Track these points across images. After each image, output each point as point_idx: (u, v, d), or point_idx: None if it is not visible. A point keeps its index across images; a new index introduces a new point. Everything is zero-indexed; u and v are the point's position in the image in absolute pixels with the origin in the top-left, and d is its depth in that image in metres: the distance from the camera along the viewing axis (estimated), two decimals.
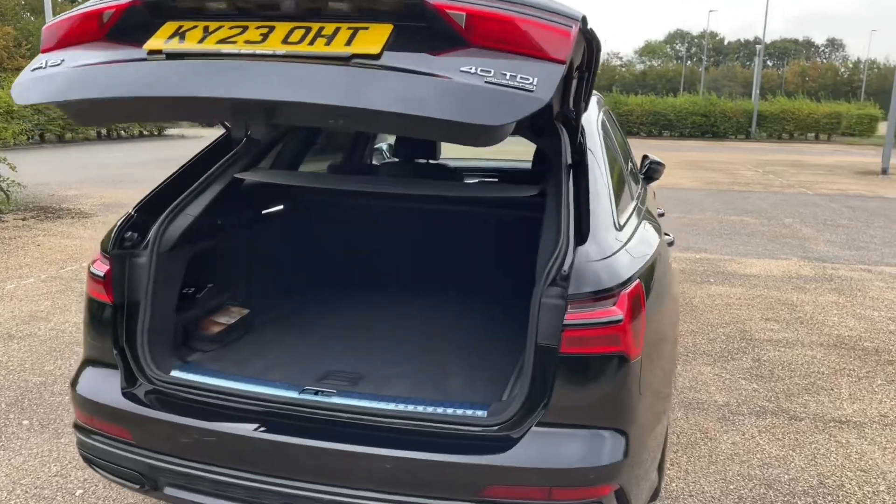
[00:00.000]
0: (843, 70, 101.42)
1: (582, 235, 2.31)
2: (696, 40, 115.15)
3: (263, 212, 3.46)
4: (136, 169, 16.30)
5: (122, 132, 25.97)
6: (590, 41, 2.20)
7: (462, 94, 1.84)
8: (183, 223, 2.73)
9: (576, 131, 2.70)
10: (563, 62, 1.90)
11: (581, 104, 2.59)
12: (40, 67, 2.12)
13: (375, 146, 5.44)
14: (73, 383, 2.56)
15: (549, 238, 2.43)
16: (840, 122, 35.93)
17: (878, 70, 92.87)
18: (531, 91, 1.83)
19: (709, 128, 35.56)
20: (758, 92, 39.33)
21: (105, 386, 2.47)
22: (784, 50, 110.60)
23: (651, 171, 4.64)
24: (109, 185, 13.50)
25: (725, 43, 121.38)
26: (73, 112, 2.30)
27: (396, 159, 4.51)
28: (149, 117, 2.64)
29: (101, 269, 2.55)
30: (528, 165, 5.76)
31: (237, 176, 2.99)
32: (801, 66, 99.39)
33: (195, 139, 26.77)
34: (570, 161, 2.72)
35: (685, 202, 12.84)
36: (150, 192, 2.76)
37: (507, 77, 1.84)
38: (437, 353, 2.94)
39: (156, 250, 2.59)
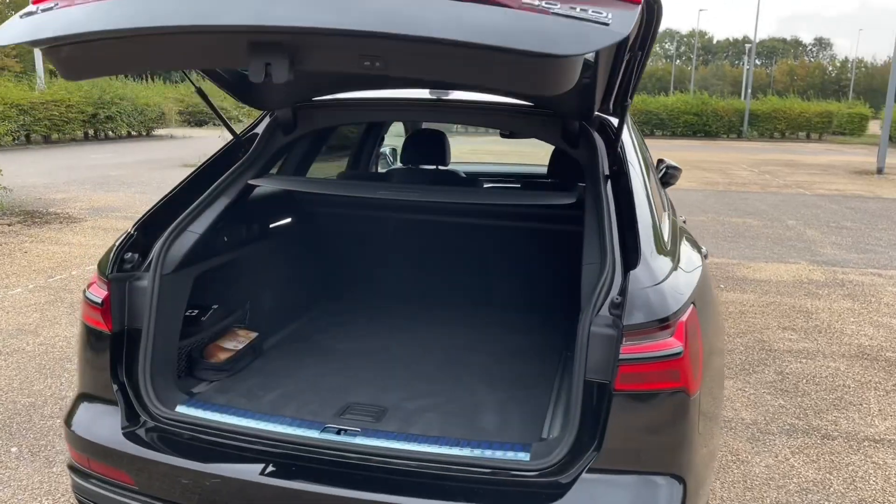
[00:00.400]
0: (830, 69, 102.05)
1: (632, 257, 2.09)
2: (685, 39, 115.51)
3: (272, 226, 3.23)
4: (124, 170, 15.98)
5: (110, 132, 25.53)
6: (651, 9, 1.89)
7: (530, 22, 1.56)
8: (187, 241, 2.49)
9: (615, 138, 2.49)
10: (637, 2, 1.64)
11: (628, 99, 2.35)
12: (30, 13, 1.83)
13: (381, 150, 5.21)
14: (68, 420, 2.32)
15: (592, 258, 2.21)
16: (831, 121, 35.98)
17: (865, 69, 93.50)
18: (606, 24, 1.56)
19: (701, 127, 35.48)
20: (749, 91, 39.30)
21: (104, 424, 2.23)
22: (772, 49, 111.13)
23: (668, 177, 4.42)
24: (98, 187, 13.18)
25: (714, 42, 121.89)
26: (64, 59, 1.95)
27: (402, 165, 4.29)
28: (149, 62, 2.09)
29: (99, 294, 2.31)
30: (539, 170, 5.60)
31: (252, 182, 2.76)
32: (789, 65, 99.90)
33: (184, 139, 26.45)
34: (606, 171, 2.51)
35: (685, 203, 12.68)
36: (151, 209, 2.52)
37: (578, 10, 1.58)
38: (462, 381, 2.72)
39: (158, 272, 2.36)
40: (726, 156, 24.89)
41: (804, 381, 4.72)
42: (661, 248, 2.23)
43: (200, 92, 2.70)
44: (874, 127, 37.59)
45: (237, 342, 2.76)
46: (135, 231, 2.42)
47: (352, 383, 2.67)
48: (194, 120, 33.37)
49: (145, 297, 2.33)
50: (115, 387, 2.27)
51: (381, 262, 3.77)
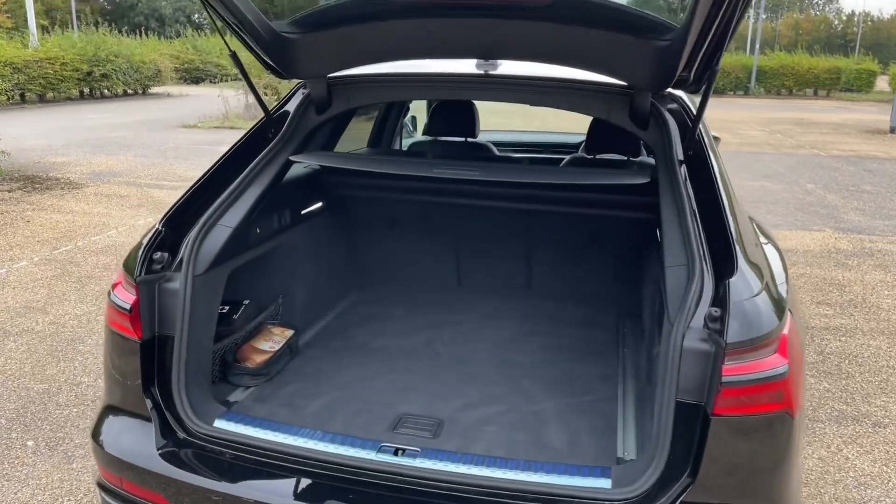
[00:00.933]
0: (836, 23, 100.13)
1: (724, 261, 1.87)
2: None
3: (303, 212, 2.98)
4: (123, 131, 15.60)
5: (106, 91, 24.97)
6: None
7: None
8: (220, 237, 2.26)
9: (697, 115, 2.21)
10: None
11: (715, 64, 2.06)
12: None
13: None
14: (96, 434, 2.12)
15: (677, 259, 1.98)
16: (840, 77, 35.30)
17: (871, 23, 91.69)
18: None
19: None
20: (758, 46, 38.47)
21: (136, 441, 2.03)
22: (778, 2, 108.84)
23: None
24: (97, 150, 12.84)
25: None
26: None
27: (427, 137, 4.01)
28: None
29: (127, 298, 2.09)
30: (571, 138, 5.32)
31: (293, 159, 2.51)
32: (794, 19, 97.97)
33: (181, 98, 25.90)
34: (681, 156, 2.26)
35: None
36: (179, 200, 2.28)
37: None
38: (518, 384, 2.51)
39: (191, 272, 2.13)
40: (735, 114, 24.43)
41: (846, 361, 4.54)
42: (750, 248, 2.00)
43: (235, 57, 2.41)
44: (882, 83, 36.97)
45: (273, 342, 2.54)
46: (163, 227, 2.18)
47: (399, 389, 2.46)
48: (190, 77, 32.67)
49: (177, 301, 2.10)
50: (147, 400, 2.06)
51: (416, 248, 3.52)
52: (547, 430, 2.20)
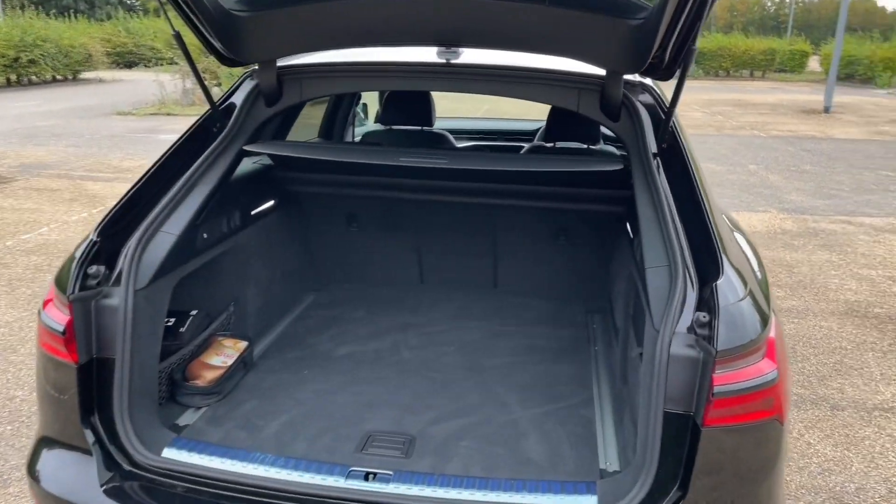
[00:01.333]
0: (769, 4, 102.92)
1: (708, 263, 1.78)
2: None
3: (253, 212, 2.78)
4: (54, 120, 14.82)
5: (34, 77, 23.71)
6: None
7: None
8: (163, 245, 2.06)
9: (671, 104, 2.10)
10: None
11: (692, 43, 1.94)
12: None
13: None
14: (32, 470, 1.91)
15: (657, 260, 1.88)
16: (774, 58, 36.25)
17: (802, 4, 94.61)
18: None
19: None
20: None
21: (77, 477, 1.84)
22: None
23: None
24: (27, 140, 12.15)
25: None
26: None
27: (380, 126, 3.85)
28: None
29: (60, 318, 1.88)
30: (527, 125, 5.21)
31: (248, 149, 2.31)
32: (730, 1, 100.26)
33: (114, 83, 24.81)
34: (654, 149, 2.16)
35: None
36: (115, 206, 2.06)
37: None
38: (489, 392, 2.40)
39: (131, 287, 1.93)
40: None
41: (801, 343, 4.60)
42: (731, 248, 1.92)
43: (179, 38, 2.18)
44: (814, 63, 38.16)
45: (225, 356, 2.36)
46: (98, 237, 1.97)
47: (365, 402, 2.31)
48: (123, 61, 31.34)
49: (116, 319, 1.91)
50: (87, 431, 1.87)
51: (376, 246, 3.35)
52: (525, 443, 2.09)
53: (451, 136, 3.85)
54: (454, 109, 7.36)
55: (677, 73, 2.12)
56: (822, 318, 5.04)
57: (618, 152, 4.22)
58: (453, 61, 2.46)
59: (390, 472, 1.83)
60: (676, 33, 1.89)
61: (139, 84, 22.39)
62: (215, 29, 2.15)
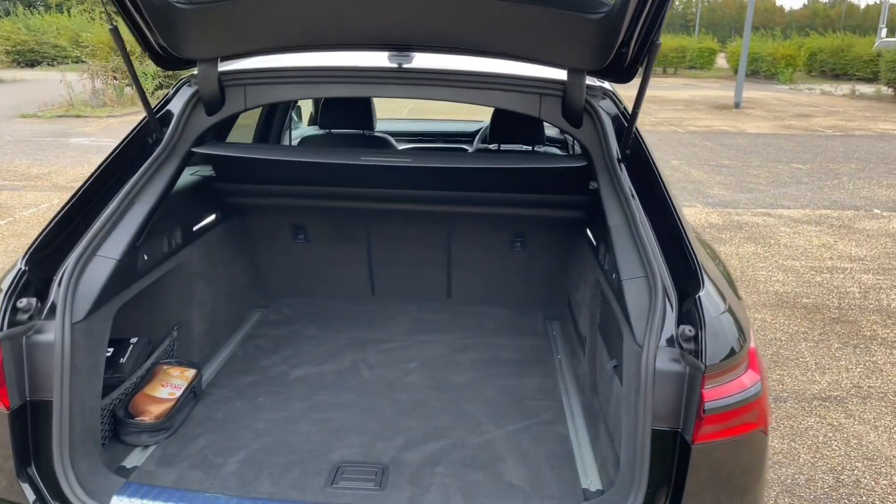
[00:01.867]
0: (678, 3, 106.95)
1: (687, 274, 1.75)
2: None
3: (195, 227, 2.59)
4: None
5: None
6: None
7: None
8: (101, 271, 1.87)
9: (635, 107, 2.06)
10: None
11: (655, 37, 1.90)
12: None
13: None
14: None
15: (633, 271, 1.84)
16: (685, 55, 37.68)
17: (707, 3, 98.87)
18: None
19: None
20: None
21: None
22: None
23: None
24: None
25: None
26: None
27: (318, 130, 3.70)
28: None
29: None
30: (466, 126, 5.14)
31: (197, 150, 2.14)
32: None
33: (15, 83, 23.28)
34: (618, 155, 2.12)
35: None
36: (45, 230, 1.86)
37: None
38: (459, 411, 2.30)
39: (67, 320, 1.73)
40: None
41: None
42: (704, 257, 1.90)
43: (116, 32, 1.97)
44: (721, 60, 39.90)
45: (172, 387, 2.16)
46: (26, 265, 1.76)
47: (330, 430, 2.17)
48: (24, 60, 29.50)
49: (51, 356, 1.71)
50: (24, 485, 1.67)
51: (324, 258, 3.19)
52: (504, 466, 2.01)
53: (392, 140, 3.74)
54: (382, 108, 7.24)
55: (639, 73, 2.09)
56: (756, 310, 5.20)
57: (560, 153, 4.20)
58: (406, 66, 2.35)
59: None
60: (639, 27, 1.85)
61: (43, 84, 21.12)
62: (156, 22, 1.97)
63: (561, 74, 2.25)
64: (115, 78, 16.37)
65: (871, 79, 27.25)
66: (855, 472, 3.29)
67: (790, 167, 10.94)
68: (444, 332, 2.96)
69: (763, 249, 6.68)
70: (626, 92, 2.55)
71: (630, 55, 2.05)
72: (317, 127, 4.66)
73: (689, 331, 1.62)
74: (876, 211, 8.15)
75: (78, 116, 14.86)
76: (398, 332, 2.95)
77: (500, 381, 2.55)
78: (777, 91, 25.81)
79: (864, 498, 3.11)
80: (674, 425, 1.63)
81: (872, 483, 3.21)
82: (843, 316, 5.09)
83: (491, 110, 3.32)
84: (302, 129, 4.68)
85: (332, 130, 3.56)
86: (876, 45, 29.80)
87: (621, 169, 2.10)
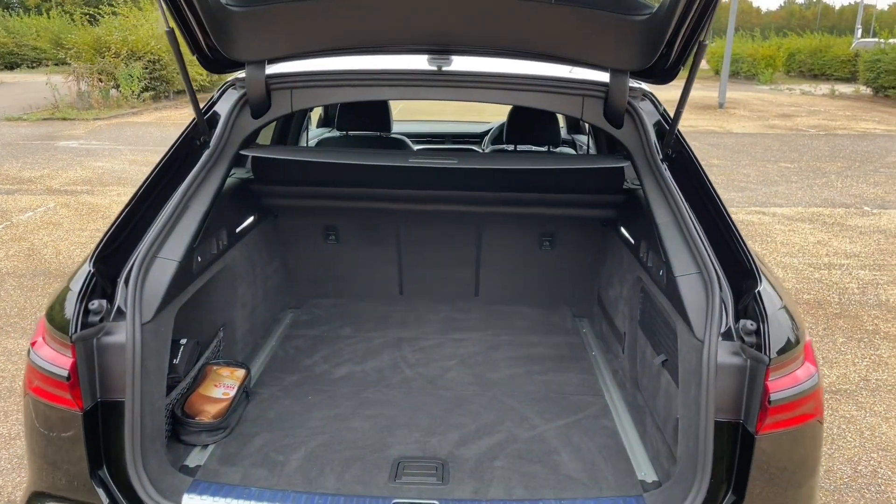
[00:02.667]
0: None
1: (740, 269, 1.81)
2: None
3: (238, 229, 2.61)
4: None
5: None
6: None
7: None
8: (164, 272, 1.89)
9: (679, 108, 2.12)
10: None
11: (704, 36, 1.96)
12: None
13: None
14: None
15: (687, 267, 1.89)
16: None
17: None
18: None
19: None
20: None
21: None
22: None
23: None
24: None
25: None
26: None
27: (336, 132, 3.73)
28: None
29: (60, 362, 1.68)
30: (476, 128, 5.18)
31: (245, 153, 2.19)
32: None
33: (14, 86, 22.93)
34: (660, 154, 2.18)
35: None
36: (107, 233, 1.87)
37: None
38: (506, 407, 2.35)
39: (137, 321, 1.75)
40: None
41: None
42: (756, 254, 1.96)
43: (172, 35, 1.99)
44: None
45: (225, 387, 2.19)
46: (94, 267, 1.77)
47: (382, 426, 2.21)
48: (4, 63, 29.09)
49: (121, 357, 1.73)
50: (94, 483, 1.68)
51: (354, 259, 3.22)
52: (559, 458, 2.06)
53: (409, 141, 3.78)
54: None
55: (681, 75, 2.15)
56: None
57: (574, 153, 4.26)
58: (445, 68, 2.39)
59: (435, 502, 1.75)
60: (685, 27, 1.91)
61: (25, 87, 20.88)
62: (209, 23, 2.00)
63: (602, 76, 2.30)
64: (100, 80, 16.21)
65: (850, 79, 27.74)
66: (871, 462, 3.38)
67: (778, 166, 11.12)
68: (477, 331, 3.00)
69: (760, 247, 6.79)
70: (663, 94, 2.62)
71: (673, 56, 2.11)
72: (330, 129, 4.70)
73: (751, 325, 1.67)
74: (866, 208, 8.32)
75: (64, 119, 14.69)
76: (430, 330, 2.99)
77: (539, 377, 2.60)
78: (758, 91, 26.14)
79: (882, 487, 3.19)
80: (735, 417, 1.68)
81: (889, 473, 3.30)
82: (845, 311, 5.20)
83: (502, 112, 3.36)
84: (314, 131, 4.70)
85: (350, 133, 3.59)
86: (853, 45, 30.34)
87: (665, 168, 2.16)
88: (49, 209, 7.54)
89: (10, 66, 29.11)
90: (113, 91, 16.40)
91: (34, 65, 28.37)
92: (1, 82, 23.92)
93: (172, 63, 17.28)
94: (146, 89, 16.70)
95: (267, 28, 2.09)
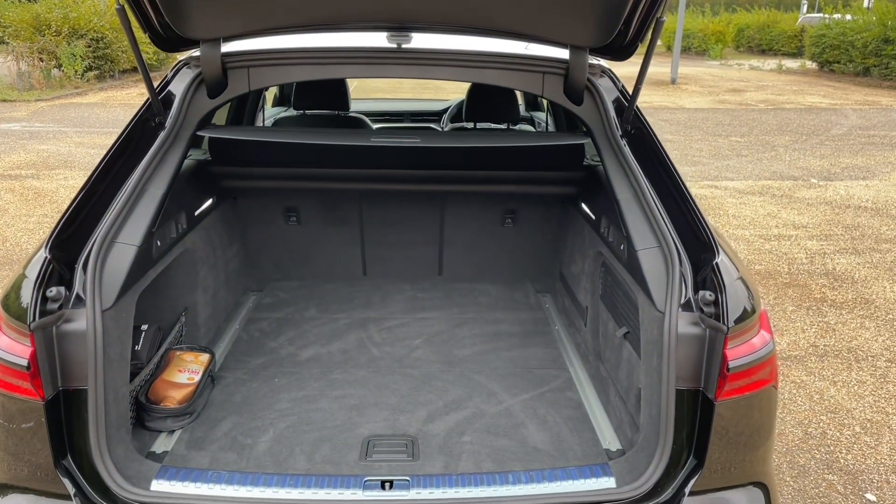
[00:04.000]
0: None
1: (699, 242, 1.86)
2: None
3: (196, 212, 2.56)
4: None
5: None
6: None
7: None
8: (123, 257, 1.86)
9: (637, 86, 2.16)
10: None
11: (659, 11, 2.00)
12: None
13: None
14: None
15: (646, 240, 1.94)
16: None
17: None
18: None
19: None
20: None
21: None
22: None
23: None
24: None
25: None
26: None
27: (293, 111, 3.69)
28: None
29: (18, 351, 1.65)
30: (433, 106, 5.16)
31: (202, 133, 2.14)
32: None
33: None
34: (620, 131, 2.22)
35: None
36: (62, 217, 1.82)
37: None
38: (472, 382, 2.38)
39: (97, 307, 1.72)
40: None
41: None
42: (713, 227, 2.02)
43: (123, 13, 1.92)
44: None
45: (189, 371, 2.16)
46: (50, 253, 1.73)
47: (350, 406, 2.22)
48: None
49: (82, 344, 1.69)
50: (60, 473, 1.66)
51: (316, 240, 3.20)
52: (526, 431, 2.10)
53: (367, 119, 3.75)
54: None
55: (638, 51, 2.18)
56: None
57: (533, 130, 4.29)
58: (405, 46, 2.37)
59: (406, 478, 1.77)
60: (642, 4, 1.94)
61: None
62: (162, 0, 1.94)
63: (562, 53, 2.32)
64: (41, 59, 15.59)
65: (796, 54, 28.40)
66: (821, 424, 3.53)
67: (729, 140, 11.36)
68: (441, 309, 3.02)
69: (714, 220, 6.95)
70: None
71: (630, 33, 2.14)
72: (286, 108, 4.62)
73: (710, 295, 1.72)
74: (813, 180, 8.58)
75: (4, 101, 14.11)
76: (396, 310, 3.00)
77: (504, 353, 2.63)
78: (709, 67, 26.57)
79: (831, 447, 3.34)
80: (695, 385, 1.74)
81: (837, 434, 3.45)
82: (794, 280, 5.38)
83: (460, 90, 3.34)
84: (270, 110, 4.62)
85: (307, 111, 3.54)
86: (799, 20, 31.03)
87: (624, 144, 2.19)
88: None
89: None
90: (55, 71, 15.80)
91: None
92: None
93: (117, 41, 16.73)
94: (90, 69, 16.13)
95: (222, 4, 2.04)
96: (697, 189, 8.14)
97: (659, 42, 34.89)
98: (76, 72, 15.67)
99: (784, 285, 5.29)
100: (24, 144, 9.89)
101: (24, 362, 1.62)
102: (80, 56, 15.79)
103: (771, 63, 26.68)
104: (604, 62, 2.48)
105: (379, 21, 2.24)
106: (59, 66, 15.82)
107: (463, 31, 2.31)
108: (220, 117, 3.82)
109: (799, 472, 3.14)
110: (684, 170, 9.11)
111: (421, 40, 2.37)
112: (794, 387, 3.85)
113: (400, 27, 2.30)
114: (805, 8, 40.09)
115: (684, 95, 18.01)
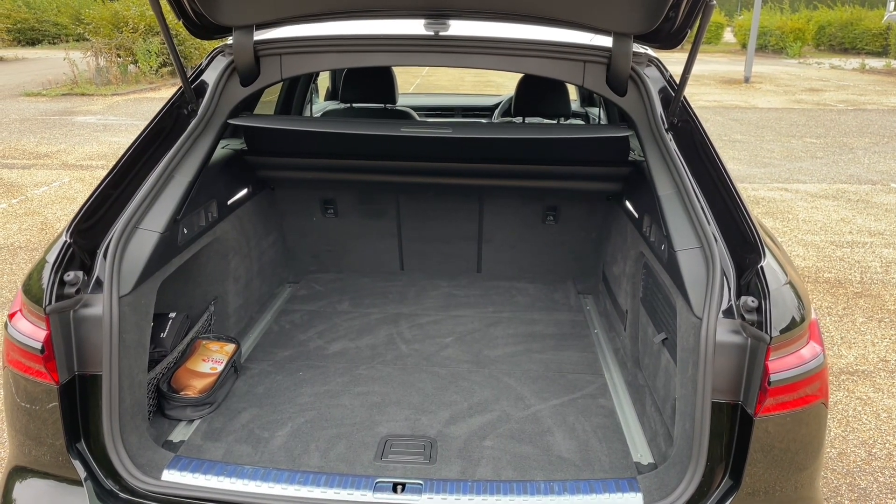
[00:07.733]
0: None
1: (745, 244, 1.71)
2: None
3: (229, 201, 2.55)
4: None
5: None
6: None
7: None
8: (145, 244, 1.84)
9: (684, 75, 2.01)
10: None
11: (709, 5, 1.86)
12: None
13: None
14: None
15: (687, 241, 1.80)
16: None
17: None
18: None
19: None
20: None
21: None
22: None
23: None
24: None
25: None
26: None
27: (340, 104, 3.65)
28: None
29: (34, 334, 1.64)
30: (484, 102, 5.07)
31: (233, 122, 2.12)
32: None
33: (18, 62, 23.12)
34: (665, 124, 2.07)
35: None
36: (86, 203, 1.82)
37: None
38: (501, 385, 2.28)
39: (114, 293, 1.71)
40: None
41: None
42: (761, 227, 1.86)
43: (156, 1, 1.92)
44: (728, 35, 39.48)
45: (213, 361, 2.14)
46: (71, 238, 1.72)
47: (372, 403, 2.16)
48: (25, 38, 29.24)
49: (100, 330, 1.68)
50: (73, 457, 1.65)
51: (353, 233, 3.16)
52: (552, 439, 1.99)
53: (415, 113, 3.69)
54: None
55: (688, 39, 2.04)
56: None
57: (581, 124, 4.14)
58: (442, 33, 2.29)
59: (420, 482, 1.69)
60: None
61: (46, 62, 21.00)
62: None
63: (605, 40, 2.19)
64: (118, 55, 16.23)
65: (881, 53, 26.96)
66: (887, 445, 3.28)
67: (804, 141, 10.84)
68: (477, 307, 2.93)
69: (781, 224, 6.63)
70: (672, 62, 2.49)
71: (679, 19, 2.00)
72: (336, 101, 4.61)
73: (752, 302, 1.58)
74: (893, 185, 8.08)
75: (83, 94, 14.76)
76: (430, 306, 2.93)
77: (537, 355, 2.53)
78: (786, 65, 25.52)
79: None
80: (734, 398, 1.60)
81: None
82: (866, 290, 5.06)
83: (511, 83, 3.24)
84: (320, 104, 4.62)
85: (354, 104, 3.51)
86: (886, 18, 29.41)
87: (669, 138, 2.06)
88: (64, 184, 7.57)
89: (32, 42, 29.25)
90: (131, 66, 16.43)
91: (55, 40, 28.48)
92: (23, 58, 24.08)
93: (190, 39, 17.27)
94: (164, 65, 16.70)
95: None
96: (766, 192, 7.78)
97: (733, 40, 33.65)
98: (151, 67, 16.25)
99: (855, 295, 4.97)
100: (97, 136, 10.29)
101: (39, 346, 1.63)
102: (155, 52, 16.36)
103: (853, 62, 25.40)
104: (651, 51, 2.34)
105: (417, 8, 2.17)
106: (135, 62, 16.44)
107: (502, 18, 2.22)
108: (268, 109, 3.83)
109: (859, 495, 2.91)
110: (753, 171, 8.73)
111: (459, 28, 2.29)
112: (859, 403, 3.59)
113: (438, 13, 2.22)
114: (892, 5, 38.00)
115: (758, 94, 17.33)
